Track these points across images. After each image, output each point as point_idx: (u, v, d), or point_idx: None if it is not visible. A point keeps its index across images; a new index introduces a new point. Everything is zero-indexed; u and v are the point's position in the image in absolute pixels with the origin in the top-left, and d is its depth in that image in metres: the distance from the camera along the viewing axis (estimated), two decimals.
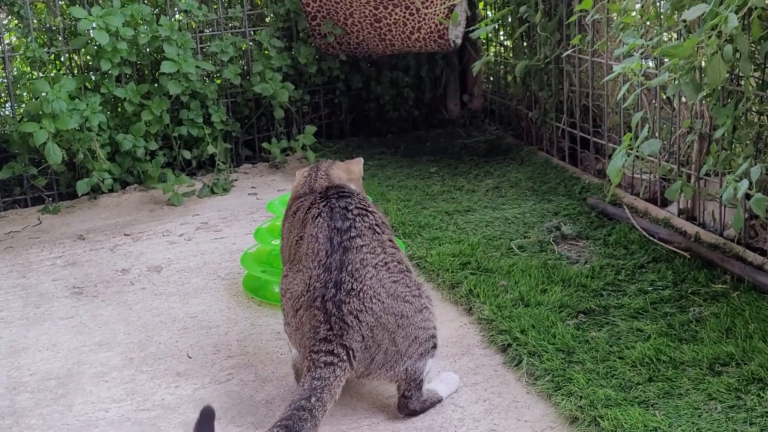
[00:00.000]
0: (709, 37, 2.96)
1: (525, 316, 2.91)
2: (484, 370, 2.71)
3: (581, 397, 2.44)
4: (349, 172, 2.75)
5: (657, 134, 3.66)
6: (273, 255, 3.38)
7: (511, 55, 4.76)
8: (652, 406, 2.39)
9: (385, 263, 2.35)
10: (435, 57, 5.36)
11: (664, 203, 3.79)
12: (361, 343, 2.29)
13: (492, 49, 5.35)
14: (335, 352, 2.27)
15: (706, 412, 2.35)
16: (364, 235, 2.36)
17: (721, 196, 2.88)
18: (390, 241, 2.46)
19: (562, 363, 2.63)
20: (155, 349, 2.95)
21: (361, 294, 2.27)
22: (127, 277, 3.54)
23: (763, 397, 2.39)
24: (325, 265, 2.31)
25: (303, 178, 2.72)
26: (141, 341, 3.02)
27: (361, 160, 2.84)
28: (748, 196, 2.76)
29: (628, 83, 3.12)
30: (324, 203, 2.47)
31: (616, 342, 2.73)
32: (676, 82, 3.05)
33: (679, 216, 3.65)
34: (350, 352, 2.28)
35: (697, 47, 2.99)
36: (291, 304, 2.39)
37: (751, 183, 2.73)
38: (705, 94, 3.15)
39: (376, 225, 2.43)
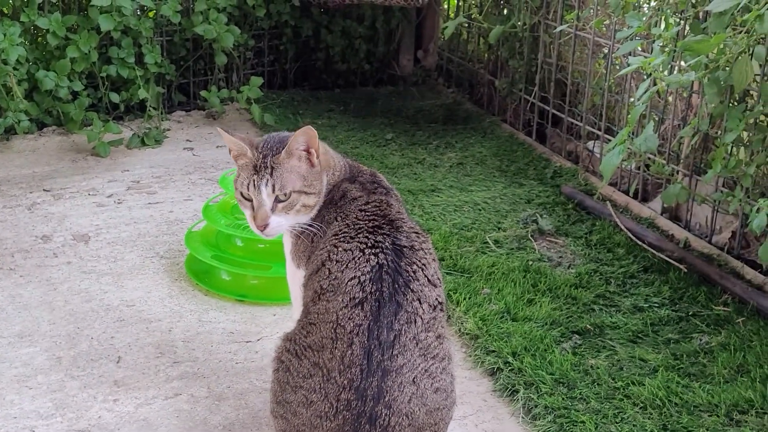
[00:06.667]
0: (737, 34, 2.66)
1: (515, 335, 2.59)
2: (471, 398, 2.39)
3: None
4: None
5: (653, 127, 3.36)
6: (223, 237, 2.97)
7: (478, 14, 4.36)
8: None
9: (426, 371, 1.88)
10: (391, 8, 4.92)
11: (646, 198, 3.52)
12: None
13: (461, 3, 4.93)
14: None
15: None
16: (407, 350, 1.86)
17: (750, 224, 2.59)
18: (439, 310, 1.96)
19: (564, 399, 2.32)
20: (87, 347, 2.54)
21: (398, 427, 1.83)
22: (49, 247, 3.08)
23: None
24: (359, 390, 1.82)
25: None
26: (69, 334, 2.59)
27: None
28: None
29: (649, 79, 2.78)
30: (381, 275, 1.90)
31: (619, 374, 2.44)
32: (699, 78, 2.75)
33: (662, 215, 3.38)
34: None
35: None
36: (304, 413, 1.89)
37: None
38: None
39: (425, 327, 1.90)
